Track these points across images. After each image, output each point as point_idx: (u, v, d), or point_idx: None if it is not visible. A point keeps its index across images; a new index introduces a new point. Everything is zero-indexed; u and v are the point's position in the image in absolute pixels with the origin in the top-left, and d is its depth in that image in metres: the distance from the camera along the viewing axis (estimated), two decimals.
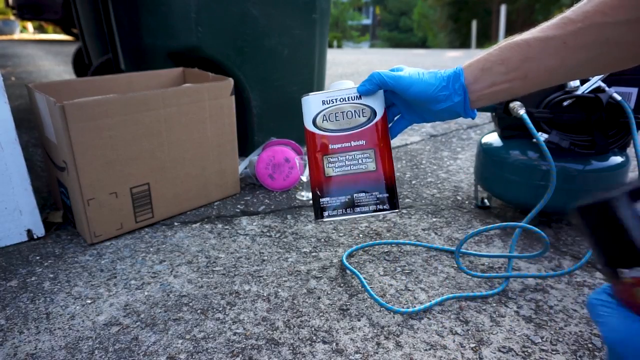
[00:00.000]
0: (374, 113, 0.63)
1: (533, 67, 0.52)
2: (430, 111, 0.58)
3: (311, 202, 0.96)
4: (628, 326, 0.32)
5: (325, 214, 0.64)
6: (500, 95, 0.55)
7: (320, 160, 0.66)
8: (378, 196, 0.64)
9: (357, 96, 0.64)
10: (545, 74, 0.52)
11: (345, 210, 0.65)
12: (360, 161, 0.64)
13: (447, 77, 0.56)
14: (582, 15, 0.47)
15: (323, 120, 0.66)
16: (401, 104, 0.62)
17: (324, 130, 0.66)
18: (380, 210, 0.65)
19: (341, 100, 0.64)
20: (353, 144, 0.64)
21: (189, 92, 1.01)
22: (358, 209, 0.65)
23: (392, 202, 0.64)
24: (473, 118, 0.58)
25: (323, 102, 0.65)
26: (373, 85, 0.62)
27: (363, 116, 0.63)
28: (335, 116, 0.65)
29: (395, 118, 0.65)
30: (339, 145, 0.65)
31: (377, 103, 0.63)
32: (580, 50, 0.49)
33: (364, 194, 0.65)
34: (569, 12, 0.49)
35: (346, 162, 0.65)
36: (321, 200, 0.64)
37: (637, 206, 0.29)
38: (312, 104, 0.66)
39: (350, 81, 0.66)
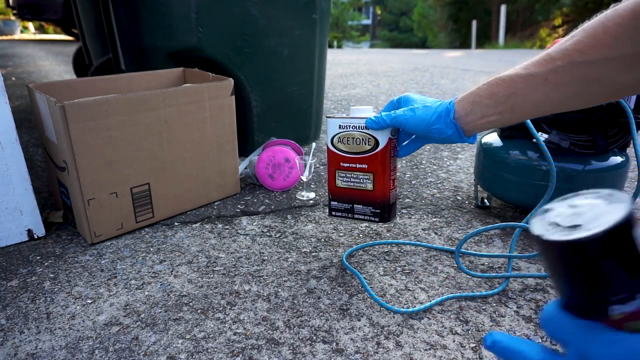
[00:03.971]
0: (377, 144, 0.75)
1: (519, 101, 0.55)
2: (429, 140, 0.68)
3: (311, 202, 1.13)
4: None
5: (333, 212, 0.85)
6: (493, 124, 0.60)
7: (333, 172, 0.83)
8: (372, 210, 0.82)
9: (365, 127, 0.76)
10: (532, 108, 0.55)
11: (347, 214, 0.84)
12: (361, 180, 0.80)
13: (439, 112, 0.63)
14: (561, 53, 0.50)
15: (338, 141, 0.81)
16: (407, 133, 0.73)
17: (338, 150, 0.81)
18: (372, 221, 0.82)
19: (353, 127, 0.77)
20: (358, 166, 0.79)
21: (189, 92, 1.01)
22: (356, 216, 0.83)
23: (383, 216, 0.80)
24: (472, 143, 0.65)
25: (339, 127, 0.79)
26: (378, 125, 0.71)
27: (368, 145, 0.76)
28: (347, 140, 0.79)
29: (406, 142, 0.75)
30: (347, 165, 0.80)
31: (381, 135, 0.75)
32: (562, 87, 0.51)
33: (361, 206, 0.82)
34: (551, 50, 0.51)
35: (351, 179, 0.81)
36: (331, 202, 0.85)
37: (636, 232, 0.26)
38: (331, 126, 0.80)
39: (370, 107, 0.79)
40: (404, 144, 0.75)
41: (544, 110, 0.55)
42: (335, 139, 0.81)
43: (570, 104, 0.54)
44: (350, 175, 0.82)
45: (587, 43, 0.48)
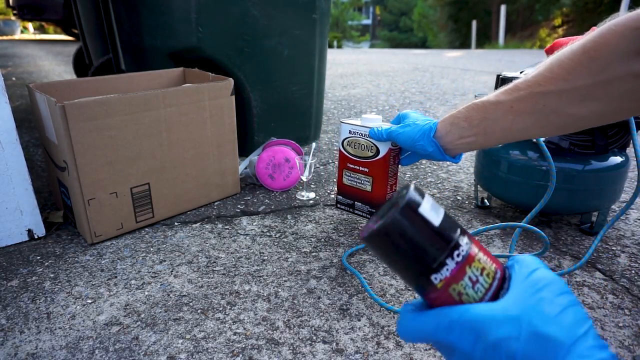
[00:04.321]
0: (378, 152, 0.87)
1: (490, 126, 0.61)
2: (418, 155, 0.77)
3: (311, 202, 1.16)
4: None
5: (339, 205, 1.00)
6: (470, 145, 0.65)
7: (341, 170, 0.96)
8: (368, 209, 0.95)
9: (369, 135, 0.87)
10: (501, 132, 0.60)
11: (349, 209, 0.98)
12: (362, 182, 0.93)
13: (424, 130, 0.69)
14: (525, 83, 0.55)
15: (347, 144, 0.93)
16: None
17: (346, 152, 0.93)
18: (367, 218, 0.96)
19: (359, 135, 0.89)
20: (361, 168, 0.92)
21: (189, 92, 1.01)
22: (356, 211, 0.97)
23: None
24: (456, 163, 0.72)
25: (349, 132, 0.91)
26: (376, 137, 0.83)
27: (370, 152, 0.88)
28: (354, 145, 0.91)
29: (406, 154, 0.84)
30: (353, 166, 0.93)
31: (382, 145, 0.86)
32: (525, 115, 0.56)
33: (360, 204, 0.95)
34: (519, 81, 0.56)
35: (355, 179, 0.94)
36: (337, 196, 1.00)
37: (421, 209, 0.31)
38: (343, 130, 0.92)
39: (379, 117, 0.89)
40: (405, 155, 0.85)
41: (512, 136, 0.60)
42: (345, 142, 0.93)
43: (533, 132, 0.58)
44: (354, 176, 0.94)
45: (545, 76, 0.52)
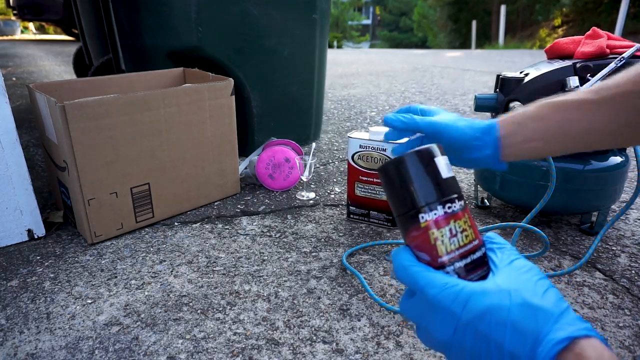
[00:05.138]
0: None
1: (568, 128, 0.51)
2: (460, 158, 0.58)
3: (311, 202, 1.16)
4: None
5: (351, 216, 1.04)
6: (534, 152, 0.54)
7: (353, 183, 1.00)
8: (385, 217, 0.99)
9: (383, 149, 0.92)
10: (581, 138, 0.51)
11: (363, 218, 1.02)
12: (378, 192, 0.98)
13: (482, 128, 0.56)
14: (616, 82, 0.49)
15: (358, 158, 0.97)
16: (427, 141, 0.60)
17: (358, 166, 0.97)
18: (383, 226, 1.01)
19: (372, 149, 0.93)
20: (375, 180, 0.97)
21: (189, 92, 1.01)
22: (371, 220, 1.02)
23: (394, 222, 0.97)
24: (503, 170, 0.58)
25: (360, 146, 0.95)
26: (405, 125, 0.59)
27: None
28: (366, 158, 0.95)
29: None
30: (366, 178, 0.97)
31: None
32: (614, 116, 0.49)
33: (376, 212, 1.00)
34: (607, 80, 0.50)
35: (369, 190, 0.99)
36: (350, 207, 1.03)
37: (437, 159, 0.36)
38: (352, 144, 0.96)
39: (386, 128, 0.88)
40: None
41: (594, 140, 0.51)
42: (355, 156, 0.96)
43: (620, 140, 0.51)
44: (367, 187, 0.98)
45: None
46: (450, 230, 0.34)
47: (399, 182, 0.36)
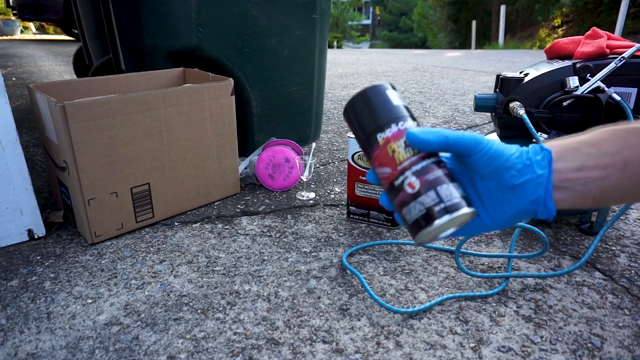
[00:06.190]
0: None
1: (633, 156, 0.41)
2: (496, 188, 0.42)
3: (311, 202, 1.17)
4: None
5: (351, 216, 1.04)
6: (590, 186, 0.41)
7: (353, 183, 1.00)
8: (385, 217, 0.99)
9: None
10: None
11: (363, 218, 1.02)
12: (378, 192, 0.97)
13: (525, 149, 0.43)
14: None
15: (358, 158, 0.96)
16: (459, 172, 0.45)
17: (358, 166, 0.97)
18: (383, 226, 1.01)
19: None
20: None
21: (189, 92, 1.01)
22: (371, 220, 1.01)
23: (394, 222, 0.99)
24: (550, 218, 0.43)
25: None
26: (429, 145, 0.41)
27: None
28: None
29: None
30: (366, 178, 0.89)
31: None
32: None
33: (376, 212, 1.00)
34: None
35: (369, 190, 0.98)
36: (350, 207, 1.03)
37: (387, 92, 0.43)
38: (352, 144, 0.96)
39: None
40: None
41: None
42: (355, 156, 0.96)
43: None
44: (368, 187, 0.98)
45: None
46: (405, 142, 0.40)
47: (359, 114, 0.43)
